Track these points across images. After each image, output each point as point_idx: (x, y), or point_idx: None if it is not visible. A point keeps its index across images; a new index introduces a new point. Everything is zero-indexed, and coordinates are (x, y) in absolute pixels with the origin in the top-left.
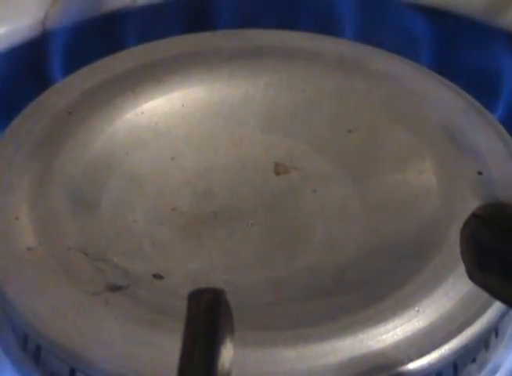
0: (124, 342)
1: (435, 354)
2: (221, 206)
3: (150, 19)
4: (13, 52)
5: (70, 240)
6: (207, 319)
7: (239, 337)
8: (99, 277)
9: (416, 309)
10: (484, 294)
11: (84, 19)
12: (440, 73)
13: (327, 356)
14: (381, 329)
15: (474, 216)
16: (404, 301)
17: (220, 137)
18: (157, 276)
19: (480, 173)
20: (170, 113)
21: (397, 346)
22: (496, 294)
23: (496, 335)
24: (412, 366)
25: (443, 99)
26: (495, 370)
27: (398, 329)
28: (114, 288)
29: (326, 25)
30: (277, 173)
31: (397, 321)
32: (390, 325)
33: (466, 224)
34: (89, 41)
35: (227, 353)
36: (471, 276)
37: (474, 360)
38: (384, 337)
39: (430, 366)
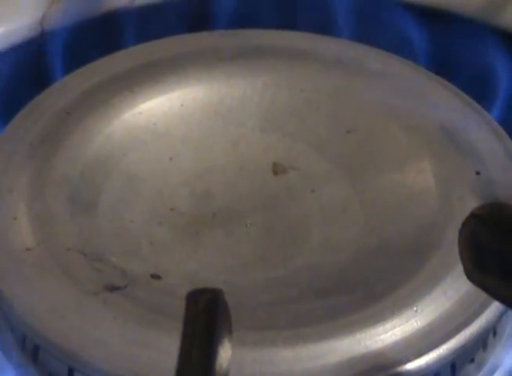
0: (122, 342)
1: (433, 354)
2: (220, 206)
3: (149, 19)
4: (12, 52)
5: (69, 241)
6: (205, 320)
7: (238, 337)
8: (97, 277)
9: (415, 309)
10: (483, 294)
11: (82, 19)
12: (438, 73)
13: (325, 356)
14: (379, 329)
15: (473, 216)
16: (402, 301)
17: (218, 137)
18: (155, 277)
19: (478, 173)
20: (168, 114)
21: (395, 346)
22: (495, 294)
23: (494, 335)
24: (410, 366)
25: (441, 100)
26: (494, 370)
27: (397, 329)
28: (112, 288)
29: (325, 25)
30: (275, 173)
31: (395, 321)
32: (388, 325)
33: (465, 224)
34: (87, 41)
35: (225, 353)
36: (469, 276)
37: (472, 360)
38: (382, 337)
39: (429, 366)
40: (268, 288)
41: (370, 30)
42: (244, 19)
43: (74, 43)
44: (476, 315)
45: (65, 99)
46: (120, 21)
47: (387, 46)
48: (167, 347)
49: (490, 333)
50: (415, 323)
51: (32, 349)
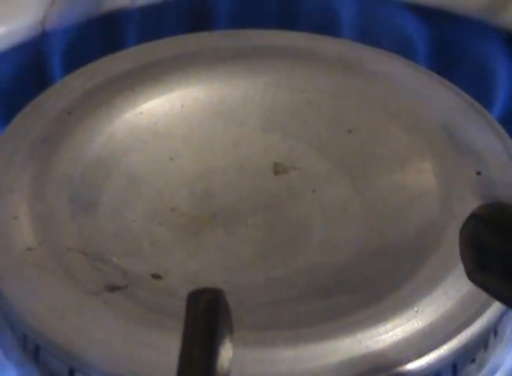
0: (123, 342)
1: (434, 354)
2: (221, 206)
3: (150, 20)
4: (13, 52)
5: (69, 241)
6: (206, 320)
7: (239, 337)
8: (98, 277)
9: (416, 309)
10: (484, 295)
11: (83, 20)
12: (438, 73)
13: (326, 356)
14: (380, 329)
15: (474, 216)
16: (403, 301)
17: (219, 137)
18: (156, 276)
19: (479, 173)
20: (169, 114)
21: (396, 346)
22: (496, 295)
23: (495, 335)
24: (411, 366)
25: (442, 99)
26: (495, 370)
27: (398, 329)
28: (113, 288)
29: (326, 25)
30: (276, 173)
31: (396, 321)
32: (389, 325)
33: (466, 224)
34: (88, 41)
35: (226, 353)
36: (470, 277)
37: (473, 360)
38: (383, 337)
39: (430, 366)
40: (269, 288)
41: (371, 30)
42: (245, 20)
43: (75, 43)
44: (477, 315)
45: (66, 99)
46: (121, 21)
47: (387, 46)
48: (168, 347)
49: (491, 333)
50: (416, 324)
51: (33, 349)
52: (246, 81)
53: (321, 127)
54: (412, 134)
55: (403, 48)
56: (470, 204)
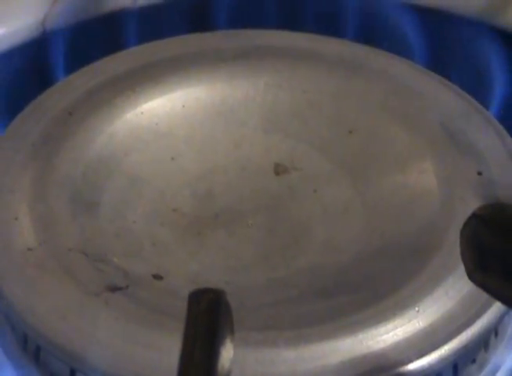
0: (124, 343)
1: (435, 354)
2: (222, 207)
3: (151, 20)
4: (14, 52)
5: (70, 241)
6: (208, 320)
7: (240, 337)
8: (99, 278)
9: (416, 309)
10: (484, 295)
11: (84, 20)
12: (439, 73)
13: (327, 356)
14: (381, 329)
15: (474, 216)
16: (404, 301)
17: (221, 138)
18: (157, 277)
19: (480, 173)
20: (170, 114)
21: (397, 347)
22: (496, 295)
23: (496, 336)
24: (412, 366)
25: (443, 100)
26: (495, 370)
27: (398, 329)
28: (114, 289)
29: (327, 26)
30: (278, 174)
31: (397, 321)
32: (390, 325)
33: (467, 224)
34: (89, 41)
35: (227, 354)
36: (471, 277)
37: (473, 361)
38: (384, 337)
39: (431, 366)
40: (270, 289)
41: (371, 30)
42: (246, 20)
43: (76, 43)
44: (478, 315)
45: (67, 99)
46: (122, 21)
47: (388, 46)
48: (169, 347)
49: (492, 333)
50: (417, 324)
51: (34, 350)
52: (248, 82)
53: (322, 127)
54: (413, 134)
55: (403, 49)
56: (471, 205)
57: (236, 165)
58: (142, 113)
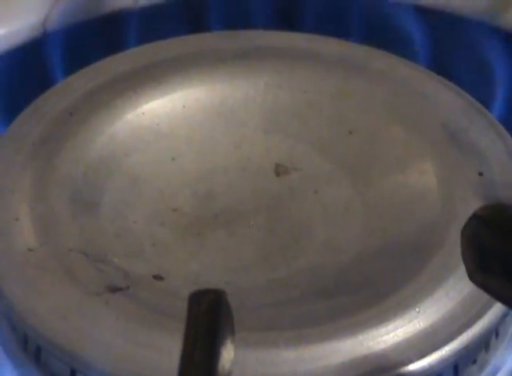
0: (125, 343)
1: (436, 355)
2: (222, 207)
3: (151, 20)
4: (14, 52)
5: (71, 241)
6: (208, 321)
7: (240, 338)
8: (99, 278)
9: (417, 310)
10: (485, 295)
11: (85, 20)
12: (439, 73)
13: (328, 357)
14: (382, 330)
15: (475, 217)
16: (405, 302)
17: (221, 138)
18: (158, 277)
19: (481, 174)
20: (171, 114)
21: (397, 347)
22: (497, 296)
23: (497, 336)
24: (412, 367)
25: (443, 100)
26: (496, 371)
27: (399, 330)
28: (115, 289)
29: (327, 26)
30: (278, 174)
31: (397, 322)
32: (390, 326)
33: (467, 225)
34: (90, 41)
35: (227, 354)
36: (472, 277)
37: (474, 361)
38: (384, 338)
39: (431, 367)
40: (271, 289)
41: (372, 31)
42: (246, 20)
43: (77, 44)
44: (478, 316)
45: (68, 100)
46: (123, 22)
47: (388, 47)
48: (169, 348)
49: (492, 334)
50: (417, 324)
51: (34, 350)
52: (248, 82)
53: (322, 128)
54: (414, 134)
55: (403, 49)
56: (472, 205)
57: (236, 166)
58: (142, 113)
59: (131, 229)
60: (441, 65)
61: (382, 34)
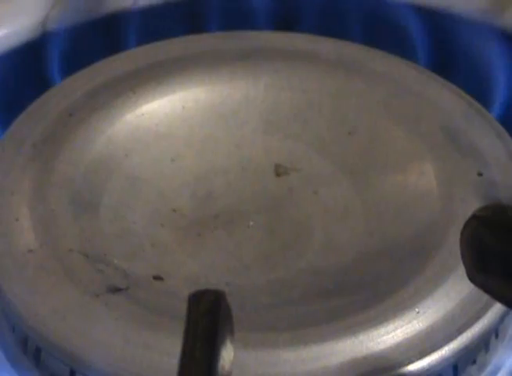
0: (124, 344)
1: (435, 355)
2: (222, 208)
3: (151, 21)
4: (13, 53)
5: (71, 242)
6: (208, 321)
7: (240, 338)
8: (99, 279)
9: (417, 310)
10: (485, 296)
11: (84, 21)
12: (439, 73)
13: (327, 357)
14: (381, 330)
15: (475, 217)
16: (404, 302)
17: (220, 139)
18: (157, 278)
19: (480, 174)
20: (170, 115)
21: (397, 348)
22: (496, 296)
23: (496, 336)
24: (412, 367)
25: (443, 100)
26: (496, 371)
27: (399, 330)
28: (114, 290)
29: (326, 26)
30: (278, 175)
31: (397, 323)
32: (390, 326)
33: (467, 225)
34: (89, 42)
35: (227, 355)
36: (471, 278)
37: (474, 362)
38: (384, 338)
39: (431, 367)
40: (270, 290)
41: (371, 31)
42: (246, 21)
43: (76, 44)
44: (478, 316)
45: (67, 101)
46: (122, 22)
47: (388, 47)
48: (169, 349)
49: (492, 334)
50: (417, 325)
51: (34, 351)
52: (248, 83)
53: (322, 128)
54: (413, 135)
55: (403, 49)
56: (472, 206)
57: (236, 166)
58: (142, 114)
59: (130, 230)
60: (441, 65)
61: (382, 34)
